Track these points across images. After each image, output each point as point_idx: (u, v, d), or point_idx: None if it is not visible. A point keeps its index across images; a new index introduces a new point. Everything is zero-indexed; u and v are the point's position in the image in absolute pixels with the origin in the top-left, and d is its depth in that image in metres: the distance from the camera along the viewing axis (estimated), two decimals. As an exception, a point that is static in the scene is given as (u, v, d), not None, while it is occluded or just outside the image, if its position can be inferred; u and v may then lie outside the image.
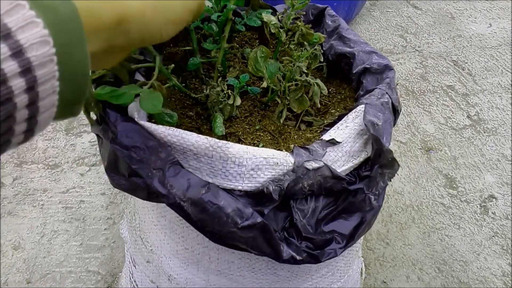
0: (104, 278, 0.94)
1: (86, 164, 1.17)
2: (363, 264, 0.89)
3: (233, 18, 0.57)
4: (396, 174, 1.18)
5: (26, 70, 0.22)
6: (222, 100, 0.54)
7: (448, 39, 1.70)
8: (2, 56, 0.21)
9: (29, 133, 0.24)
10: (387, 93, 0.53)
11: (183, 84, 0.65)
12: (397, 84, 1.48)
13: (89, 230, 1.03)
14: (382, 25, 1.77)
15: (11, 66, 0.21)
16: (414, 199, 1.11)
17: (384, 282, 0.94)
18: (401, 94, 1.45)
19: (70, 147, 1.23)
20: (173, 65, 0.54)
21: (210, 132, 0.55)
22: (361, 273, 0.89)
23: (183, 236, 0.55)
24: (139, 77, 0.52)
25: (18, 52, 0.21)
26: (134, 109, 0.47)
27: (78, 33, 0.24)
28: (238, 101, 0.55)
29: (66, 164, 1.18)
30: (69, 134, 1.26)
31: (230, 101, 0.54)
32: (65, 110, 0.26)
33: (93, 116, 0.48)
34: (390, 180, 0.48)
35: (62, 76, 0.24)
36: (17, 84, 0.22)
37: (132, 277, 0.72)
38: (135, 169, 0.42)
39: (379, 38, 1.70)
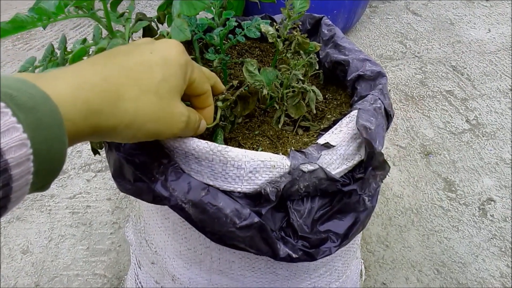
0: (110, 281, 0.97)
1: (92, 170, 1.20)
2: (363, 266, 0.91)
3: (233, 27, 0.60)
4: (391, 177, 1.18)
5: (3, 171, 0.24)
6: (224, 124, 0.57)
7: (447, 44, 1.72)
8: None
9: None
10: (379, 98, 0.55)
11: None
12: (397, 90, 1.51)
13: (95, 234, 1.05)
14: (382, 31, 1.80)
15: None
16: (413, 202, 1.12)
17: (384, 283, 0.96)
18: (400, 99, 1.47)
19: (76, 153, 1.26)
20: None
21: (211, 138, 0.58)
22: (361, 274, 0.90)
23: (186, 237, 0.57)
24: None
25: None
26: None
27: (57, 129, 0.28)
28: (238, 119, 0.58)
29: (72, 171, 1.21)
30: (76, 141, 1.29)
31: (231, 118, 0.57)
32: (33, 191, 0.29)
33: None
34: (382, 181, 0.50)
35: (37, 170, 0.26)
36: None
37: (138, 279, 0.74)
38: (139, 175, 0.45)
39: (379, 45, 1.72)
